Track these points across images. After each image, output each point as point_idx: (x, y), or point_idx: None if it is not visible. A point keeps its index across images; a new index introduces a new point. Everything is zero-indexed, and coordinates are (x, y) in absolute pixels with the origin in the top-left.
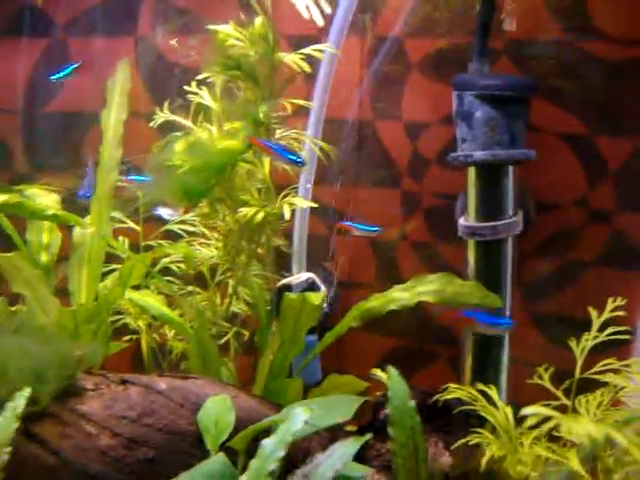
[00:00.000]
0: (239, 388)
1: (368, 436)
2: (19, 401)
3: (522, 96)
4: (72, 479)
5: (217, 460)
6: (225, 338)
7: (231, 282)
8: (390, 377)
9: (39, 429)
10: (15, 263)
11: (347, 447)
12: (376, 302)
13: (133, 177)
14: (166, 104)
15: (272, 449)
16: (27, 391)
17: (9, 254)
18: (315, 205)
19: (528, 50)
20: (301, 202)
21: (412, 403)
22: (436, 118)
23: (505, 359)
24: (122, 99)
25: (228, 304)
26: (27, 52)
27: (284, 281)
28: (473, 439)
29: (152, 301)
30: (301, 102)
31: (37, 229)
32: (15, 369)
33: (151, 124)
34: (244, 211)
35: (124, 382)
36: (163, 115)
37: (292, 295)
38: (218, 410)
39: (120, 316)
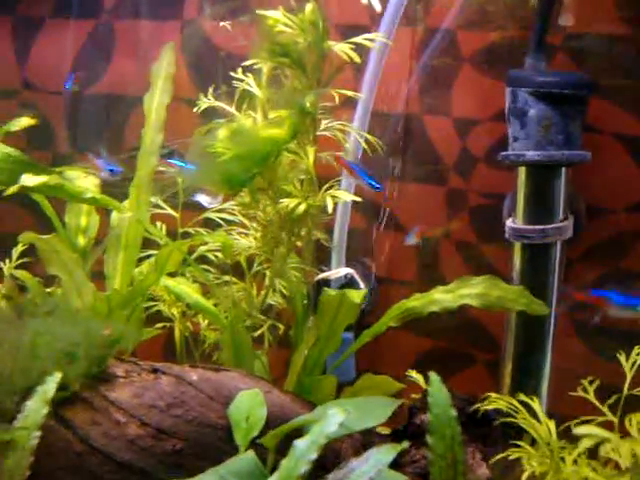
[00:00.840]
0: (272, 383)
1: (405, 444)
2: (49, 385)
3: (579, 95)
4: (99, 467)
5: (246, 458)
6: (260, 331)
7: (268, 274)
8: (431, 383)
9: (70, 414)
10: (53, 246)
11: (383, 454)
12: (417, 302)
13: (173, 160)
14: (210, 90)
15: (304, 450)
16: (57, 376)
17: (47, 236)
18: (358, 199)
19: (586, 45)
20: (345, 195)
21: (453, 412)
22: (486, 115)
23: (547, 367)
24: (166, 83)
25: (264, 296)
26: (73, 34)
27: (322, 275)
28: (513, 453)
29: (187, 289)
30: (349, 93)
31: (75, 212)
32: (46, 352)
33: (194, 110)
34: (286, 202)
35: (155, 371)
36: (207, 101)
37: (331, 291)
38: (250, 405)
39: (154, 303)
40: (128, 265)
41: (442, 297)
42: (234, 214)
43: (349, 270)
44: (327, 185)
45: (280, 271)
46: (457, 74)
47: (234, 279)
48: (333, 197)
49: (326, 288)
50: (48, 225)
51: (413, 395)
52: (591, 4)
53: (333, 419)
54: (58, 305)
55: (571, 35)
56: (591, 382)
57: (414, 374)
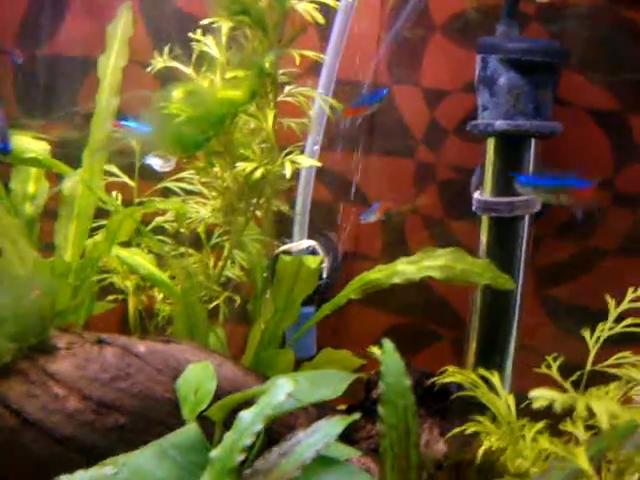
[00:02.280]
0: (225, 356)
1: (356, 415)
2: None
3: (552, 63)
4: (35, 442)
5: (189, 430)
6: (215, 302)
7: (227, 245)
8: (384, 351)
9: (4, 387)
10: None
11: (332, 426)
12: (379, 274)
13: (127, 122)
14: (166, 50)
15: (249, 422)
16: None
17: None
18: (319, 164)
19: (561, 15)
20: (304, 161)
21: (407, 381)
22: (458, 86)
23: (512, 345)
24: (122, 46)
25: (222, 268)
26: None
27: (283, 247)
28: (471, 427)
29: (141, 260)
30: (310, 54)
31: (22, 178)
32: None
33: (148, 70)
34: (242, 166)
35: (100, 342)
36: (161, 60)
37: (287, 258)
38: (198, 378)
39: (107, 275)
40: (80, 235)
41: (405, 269)
42: (193, 184)
43: (311, 242)
44: (287, 150)
45: (238, 242)
46: (428, 43)
47: (191, 251)
48: (292, 162)
49: (283, 256)
50: None
51: (372, 372)
52: None
53: (281, 389)
54: None
55: (545, 4)
56: (555, 359)
57: (375, 350)
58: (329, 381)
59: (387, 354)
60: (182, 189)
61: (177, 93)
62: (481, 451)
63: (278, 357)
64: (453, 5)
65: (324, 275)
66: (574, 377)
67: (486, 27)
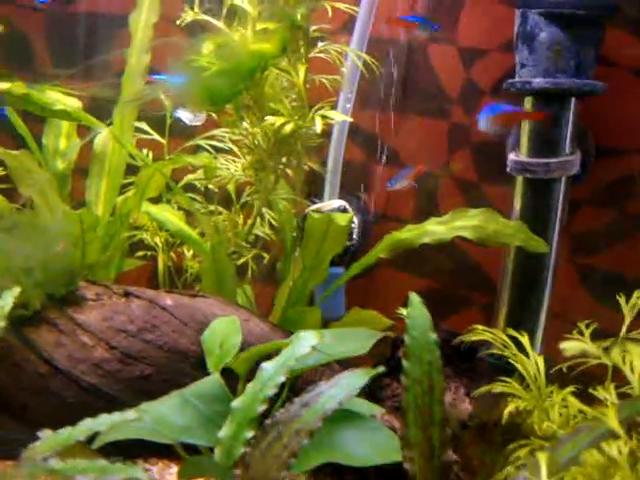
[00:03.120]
0: (252, 312)
1: (381, 369)
2: (6, 299)
3: (596, 18)
4: (64, 389)
5: (212, 380)
6: (243, 259)
7: (256, 204)
8: (411, 304)
9: (34, 334)
10: (24, 163)
11: (355, 378)
12: (409, 234)
13: (157, 76)
14: (197, 2)
15: (272, 373)
16: (16, 290)
17: (17, 152)
18: (350, 119)
19: None
20: (336, 116)
21: (433, 335)
22: (495, 44)
23: (543, 312)
24: (153, 2)
25: (251, 226)
26: None
27: (313, 207)
28: (498, 388)
29: (170, 216)
30: (343, 6)
31: (54, 134)
32: (4, 268)
33: (177, 22)
34: (271, 120)
35: (127, 294)
36: (192, 13)
37: (317, 215)
38: (225, 331)
39: (136, 232)
40: (111, 192)
41: (436, 229)
42: (224, 141)
43: (341, 202)
44: (318, 106)
45: (268, 200)
46: None
47: (220, 208)
48: (323, 117)
49: (312, 213)
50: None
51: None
52: None
53: (305, 341)
54: (21, 222)
55: None
56: (587, 325)
57: (404, 311)
58: (356, 337)
59: (414, 307)
60: (212, 146)
61: (207, 46)
62: (507, 412)
63: (305, 315)
64: None
65: (354, 236)
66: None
67: None
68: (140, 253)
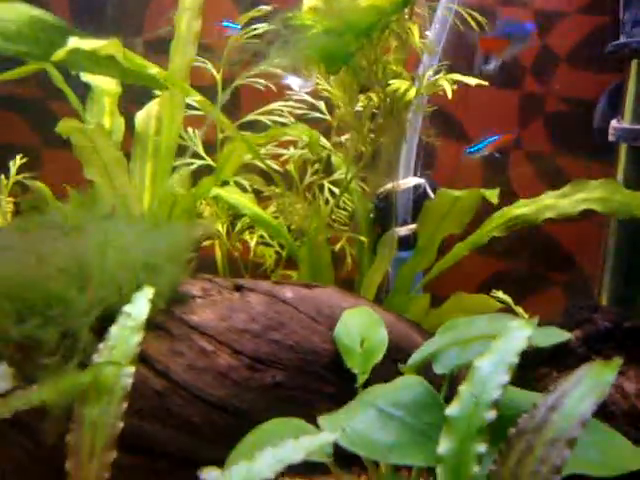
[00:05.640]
0: (370, 301)
1: (619, 361)
2: (141, 303)
3: None
4: (185, 407)
5: (412, 384)
6: (340, 244)
7: (327, 185)
8: None
9: (142, 344)
10: (94, 141)
11: (598, 373)
12: (527, 209)
13: (228, 24)
14: None
15: (491, 372)
16: (149, 291)
17: (89, 127)
18: (486, 84)
19: None
20: (470, 81)
21: None
22: (574, 6)
23: None
24: None
25: (331, 209)
26: None
27: (391, 185)
28: None
29: (242, 199)
30: None
31: (97, 111)
32: (121, 264)
33: None
34: (396, 84)
35: (239, 288)
36: None
37: (446, 193)
38: (363, 325)
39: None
40: (161, 175)
41: (557, 202)
42: (283, 115)
43: (420, 180)
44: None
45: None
46: None
47: (287, 192)
48: (453, 80)
49: (440, 190)
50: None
51: None
52: None
53: (520, 332)
54: (114, 211)
55: None
56: None
57: (501, 295)
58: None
59: None
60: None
61: (308, 1)
62: None
63: (413, 302)
64: None
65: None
66: None
67: None
68: (207, 242)
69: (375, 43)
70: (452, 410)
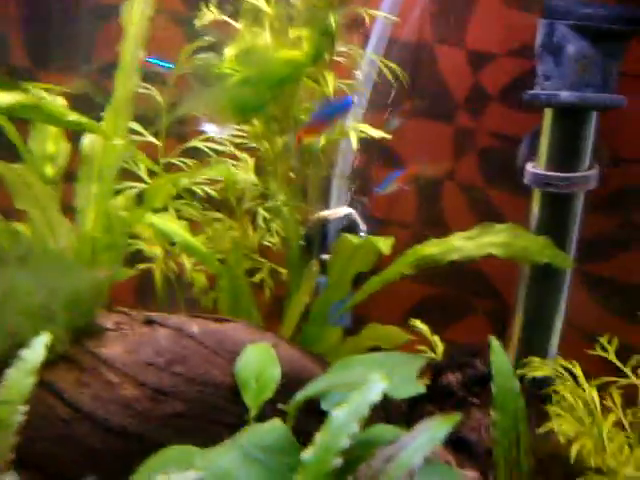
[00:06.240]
0: (278, 336)
1: (458, 416)
2: (37, 349)
3: (627, 31)
4: (90, 435)
5: (274, 428)
6: (260, 275)
7: (261, 211)
8: (493, 351)
9: (52, 375)
10: (23, 176)
11: (436, 428)
12: (435, 249)
13: (153, 60)
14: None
15: (343, 421)
16: (46, 337)
17: (16, 165)
18: (388, 136)
19: None
20: (373, 132)
21: (517, 383)
22: (505, 49)
23: (560, 322)
24: None
25: (260, 236)
26: None
27: (321, 214)
28: (564, 426)
29: (175, 227)
30: (379, 13)
31: (41, 138)
32: (26, 307)
33: (195, 22)
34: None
35: (150, 322)
36: (209, 12)
37: (351, 238)
38: (260, 362)
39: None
40: (103, 198)
41: (463, 244)
42: (223, 144)
43: (349, 210)
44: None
45: (277, 209)
46: (477, 1)
47: (222, 216)
48: (357, 130)
49: (345, 234)
50: (8, 152)
51: (435, 356)
52: None
53: (376, 386)
54: (31, 249)
55: None
56: (609, 341)
57: (418, 324)
58: (398, 366)
59: (496, 354)
60: (211, 149)
61: (229, 51)
62: (574, 449)
63: (326, 334)
64: None
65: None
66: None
67: None
68: (142, 266)
69: (288, 94)
70: (306, 455)
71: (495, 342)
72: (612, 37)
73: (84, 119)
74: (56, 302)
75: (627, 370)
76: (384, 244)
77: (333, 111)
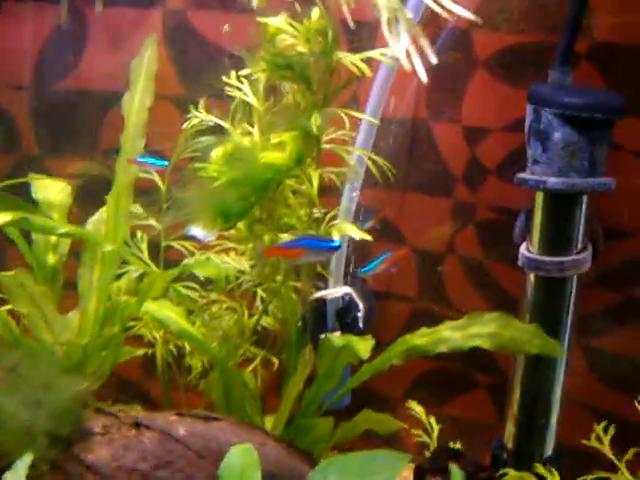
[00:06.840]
0: (266, 434)
1: None
2: (19, 472)
3: (610, 119)
4: None
5: None
6: (253, 365)
7: (260, 292)
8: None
9: None
10: (19, 280)
11: None
12: (425, 340)
13: (146, 159)
14: (201, 102)
15: None
16: (28, 458)
17: (12, 272)
18: (369, 237)
19: (615, 55)
20: (352, 230)
21: None
22: (500, 124)
23: (557, 397)
24: (148, 82)
25: (256, 321)
26: (37, 20)
27: (318, 295)
28: None
29: (171, 314)
30: (362, 116)
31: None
32: (10, 431)
33: (184, 126)
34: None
35: (137, 425)
36: (198, 115)
37: (334, 338)
38: (242, 464)
39: (134, 324)
40: (105, 282)
41: (451, 335)
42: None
43: (347, 290)
44: (330, 215)
45: (275, 292)
46: (470, 78)
47: (221, 298)
48: (339, 230)
49: (328, 335)
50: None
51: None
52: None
53: None
54: (20, 361)
55: (599, 42)
56: (605, 430)
57: (415, 406)
58: (381, 468)
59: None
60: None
61: (216, 152)
62: None
63: (317, 426)
64: (498, 41)
65: (360, 324)
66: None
67: (532, 63)
68: (140, 351)
69: (272, 197)
70: None
71: (455, 469)
72: (597, 125)
73: (73, 229)
74: (41, 418)
75: (622, 466)
76: (364, 347)
77: (311, 245)
